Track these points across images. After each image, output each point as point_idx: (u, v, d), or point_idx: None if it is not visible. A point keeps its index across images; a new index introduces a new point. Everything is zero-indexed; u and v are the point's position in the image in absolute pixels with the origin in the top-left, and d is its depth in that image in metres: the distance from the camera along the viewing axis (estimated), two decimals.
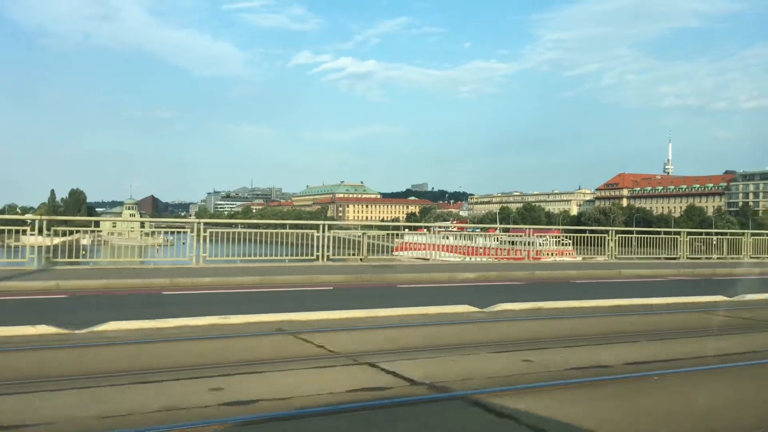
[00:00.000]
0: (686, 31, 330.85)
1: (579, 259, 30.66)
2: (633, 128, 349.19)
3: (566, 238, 35.06)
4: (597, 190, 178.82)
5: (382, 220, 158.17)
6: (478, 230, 40.09)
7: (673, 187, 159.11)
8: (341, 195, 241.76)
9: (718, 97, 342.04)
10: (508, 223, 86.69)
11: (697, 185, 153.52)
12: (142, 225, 37.40)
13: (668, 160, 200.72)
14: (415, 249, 31.52)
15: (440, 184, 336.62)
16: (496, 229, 40.20)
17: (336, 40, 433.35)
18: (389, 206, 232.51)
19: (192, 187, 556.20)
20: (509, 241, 34.65)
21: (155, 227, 24.23)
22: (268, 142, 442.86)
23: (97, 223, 27.32)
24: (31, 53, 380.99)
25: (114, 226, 41.25)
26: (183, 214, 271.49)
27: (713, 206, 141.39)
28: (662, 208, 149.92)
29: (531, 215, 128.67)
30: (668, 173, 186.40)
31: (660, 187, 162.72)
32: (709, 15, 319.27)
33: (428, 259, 23.92)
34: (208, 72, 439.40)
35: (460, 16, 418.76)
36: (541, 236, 34.41)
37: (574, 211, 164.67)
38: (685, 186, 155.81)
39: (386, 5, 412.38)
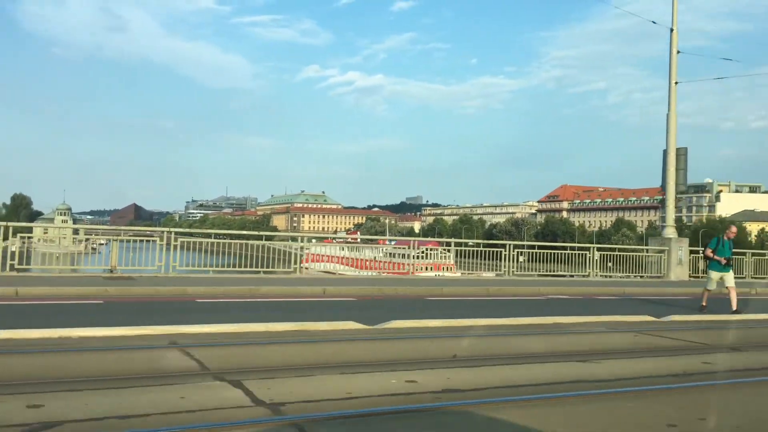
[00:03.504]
0: (691, 50, 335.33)
1: (458, 274, 28.72)
2: (637, 145, 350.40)
3: (449, 251, 33.03)
4: (539, 201, 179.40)
5: (335, 231, 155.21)
6: (370, 242, 37.99)
7: (611, 200, 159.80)
8: (300, 205, 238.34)
9: (725, 117, 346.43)
10: (440, 236, 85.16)
11: (633, 198, 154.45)
12: (76, 232, 35.17)
13: None
14: (321, 261, 29.87)
15: (437, 197, 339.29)
16: (386, 240, 38.07)
17: (344, 54, 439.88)
18: (348, 217, 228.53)
19: (184, 196, 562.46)
20: (390, 254, 32.55)
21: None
22: (270, 153, 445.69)
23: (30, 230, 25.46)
24: (42, 62, 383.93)
25: (45, 233, 38.61)
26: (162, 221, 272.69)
27: (648, 220, 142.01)
28: (597, 221, 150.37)
29: (463, 227, 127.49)
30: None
31: (598, 200, 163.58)
32: (713, 34, 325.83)
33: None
34: (217, 83, 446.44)
35: (465, 32, 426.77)
36: (418, 249, 32.20)
37: None
38: (622, 199, 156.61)
39: (393, 21, 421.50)
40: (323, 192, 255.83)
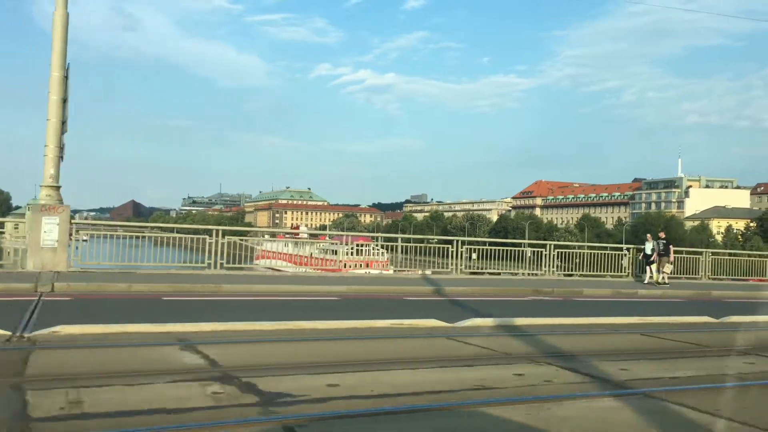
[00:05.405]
0: (706, 48, 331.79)
1: (390, 271, 28.74)
2: (652, 145, 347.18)
3: (381, 247, 33.04)
4: (513, 198, 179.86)
5: (322, 228, 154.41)
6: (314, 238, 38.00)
7: (582, 196, 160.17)
8: (284, 201, 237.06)
9: (741, 115, 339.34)
10: (403, 233, 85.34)
11: (605, 194, 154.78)
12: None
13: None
14: (270, 258, 29.95)
15: (444, 196, 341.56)
16: (326, 236, 38.03)
17: (356, 53, 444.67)
18: (332, 213, 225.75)
19: (190, 192, 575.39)
20: (324, 250, 32.51)
21: None
22: (281, 151, 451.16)
23: None
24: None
25: (16, 228, 39.33)
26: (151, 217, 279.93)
27: (619, 216, 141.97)
28: (569, 218, 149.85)
29: (436, 224, 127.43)
30: None
31: (571, 196, 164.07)
32: (728, 33, 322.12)
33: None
34: (232, 83, 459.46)
35: (478, 31, 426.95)
36: (345, 244, 32.21)
37: (494, 218, 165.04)
38: (594, 195, 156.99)
39: (405, 20, 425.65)
40: (309, 188, 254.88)
